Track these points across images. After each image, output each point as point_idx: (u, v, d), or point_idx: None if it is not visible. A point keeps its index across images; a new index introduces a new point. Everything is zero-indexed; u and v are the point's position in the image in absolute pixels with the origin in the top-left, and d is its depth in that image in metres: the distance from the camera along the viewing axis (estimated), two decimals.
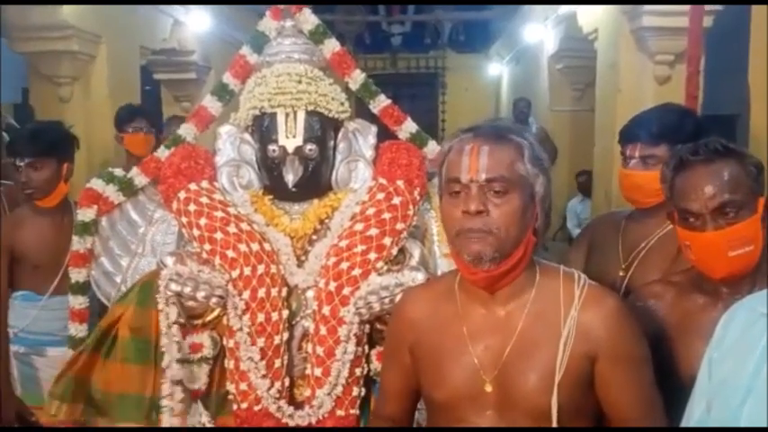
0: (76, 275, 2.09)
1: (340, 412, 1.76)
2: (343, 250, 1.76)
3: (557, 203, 5.83)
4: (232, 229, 1.77)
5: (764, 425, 1.04)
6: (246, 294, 1.74)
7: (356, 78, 2.09)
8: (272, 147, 1.81)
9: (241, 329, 1.73)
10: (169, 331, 1.73)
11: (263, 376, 1.74)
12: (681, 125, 1.89)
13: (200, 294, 1.71)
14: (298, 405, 1.79)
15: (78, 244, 2.06)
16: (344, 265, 1.75)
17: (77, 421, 1.87)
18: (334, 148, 1.89)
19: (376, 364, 1.79)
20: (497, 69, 10.36)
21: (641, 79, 4.40)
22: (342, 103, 1.88)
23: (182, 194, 1.84)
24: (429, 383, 1.41)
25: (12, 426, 2.59)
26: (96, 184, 2.06)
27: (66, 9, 4.45)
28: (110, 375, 1.82)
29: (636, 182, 1.91)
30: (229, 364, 1.78)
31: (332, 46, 2.05)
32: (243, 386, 1.76)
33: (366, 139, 1.93)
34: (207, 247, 1.77)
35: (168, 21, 5.98)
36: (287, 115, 1.80)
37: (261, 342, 1.73)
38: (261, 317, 1.73)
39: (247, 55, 2.08)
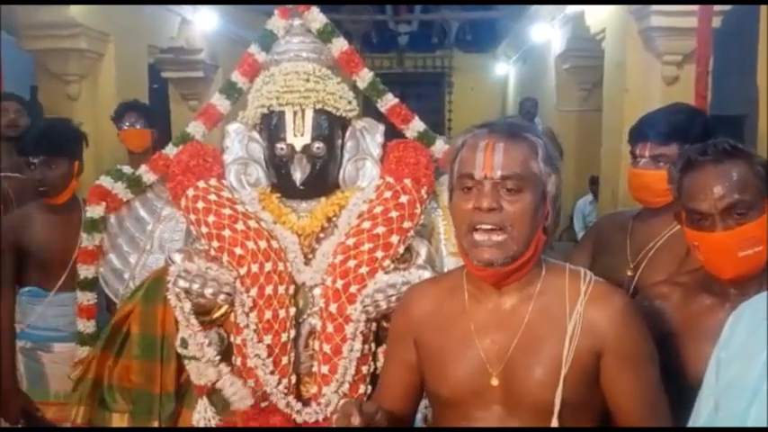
0: (85, 272, 2.10)
1: None
2: (351, 248, 1.77)
3: (563, 203, 5.81)
4: (240, 226, 1.78)
5: None
6: (254, 292, 1.74)
7: (364, 77, 2.10)
8: (279, 145, 1.82)
9: (248, 326, 1.74)
10: (189, 323, 1.73)
11: (271, 373, 1.74)
12: (691, 125, 1.89)
13: (208, 291, 1.71)
14: (304, 402, 1.80)
15: (87, 241, 2.07)
16: (351, 263, 1.75)
17: (87, 421, 1.88)
18: (342, 146, 1.89)
19: (382, 362, 1.79)
20: (504, 69, 10.34)
21: (649, 79, 4.39)
22: (350, 102, 1.89)
23: (190, 192, 1.85)
24: (434, 379, 1.41)
25: (17, 421, 2.60)
26: (105, 181, 2.07)
27: (75, 7, 4.47)
28: (123, 372, 1.83)
29: (645, 181, 1.91)
30: (236, 361, 1.78)
31: (340, 45, 2.06)
32: (249, 383, 1.76)
33: (374, 137, 1.93)
34: (215, 244, 1.78)
35: (176, 19, 6.00)
36: (295, 113, 1.81)
37: (268, 339, 1.74)
38: (268, 314, 1.74)
39: (256, 53, 2.08)
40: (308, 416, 1.77)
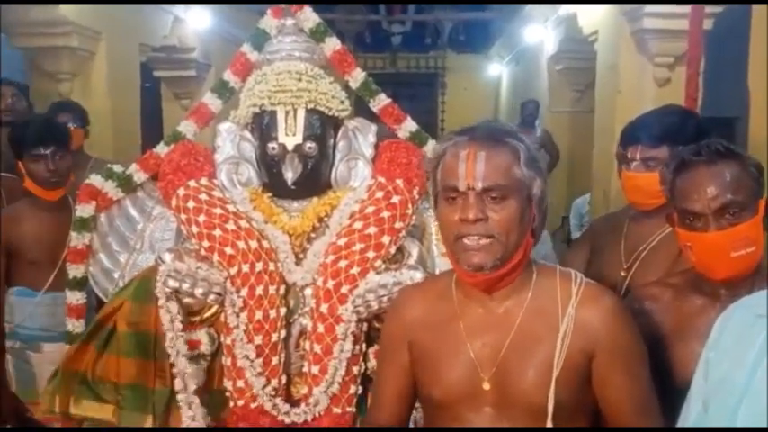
0: (74, 271, 2.09)
1: (336, 410, 1.76)
2: (342, 248, 1.76)
3: (555, 203, 5.83)
4: (231, 226, 1.77)
5: (761, 425, 1.04)
6: (244, 291, 1.74)
7: (356, 77, 2.09)
8: (271, 144, 1.81)
9: (238, 327, 1.73)
10: (172, 326, 1.73)
11: (259, 374, 1.74)
12: (682, 127, 1.90)
13: (198, 291, 1.71)
14: (295, 402, 1.79)
15: (76, 240, 2.06)
16: (343, 264, 1.75)
17: (73, 416, 1.86)
18: (334, 146, 1.89)
19: (373, 363, 1.79)
20: (497, 70, 10.35)
21: (641, 81, 4.40)
22: (342, 102, 1.88)
23: (181, 191, 1.84)
24: (426, 382, 1.41)
25: (7, 421, 2.58)
26: (95, 180, 2.06)
27: (67, 6, 4.45)
28: (108, 367, 1.81)
29: (637, 184, 1.92)
30: (226, 361, 1.78)
31: (332, 44, 2.05)
32: (240, 383, 1.76)
33: (366, 137, 1.93)
34: (205, 243, 1.77)
35: (168, 18, 5.97)
36: (287, 113, 1.80)
37: (258, 339, 1.73)
38: (259, 314, 1.73)
39: (248, 53, 2.08)
40: (296, 416, 1.76)
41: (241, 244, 1.75)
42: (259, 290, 1.74)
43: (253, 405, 1.75)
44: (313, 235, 1.84)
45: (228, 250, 1.75)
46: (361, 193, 1.85)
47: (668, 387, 1.42)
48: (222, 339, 1.79)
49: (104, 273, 2.05)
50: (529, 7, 7.09)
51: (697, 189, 1.45)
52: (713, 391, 1.15)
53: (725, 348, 1.16)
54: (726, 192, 1.43)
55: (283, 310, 1.77)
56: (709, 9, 3.61)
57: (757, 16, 3.00)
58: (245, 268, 1.74)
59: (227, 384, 1.78)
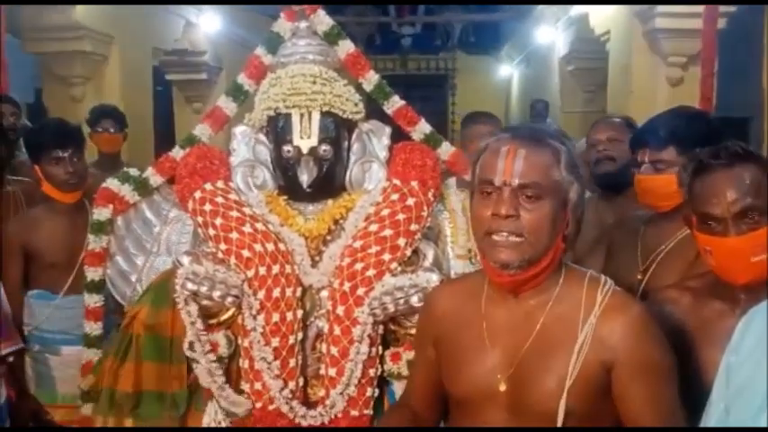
0: (92, 274, 2.10)
1: (353, 412, 1.76)
2: (358, 251, 1.77)
3: None
4: (247, 228, 1.78)
5: None
6: (261, 294, 1.74)
7: (370, 79, 2.10)
8: (286, 147, 1.82)
9: (255, 329, 1.74)
10: (194, 328, 1.73)
11: (277, 376, 1.74)
12: (689, 128, 1.89)
13: (216, 294, 1.71)
14: (312, 405, 1.80)
15: (94, 243, 2.07)
16: (359, 266, 1.75)
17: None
18: (349, 148, 1.89)
19: (390, 365, 1.79)
20: (508, 71, 10.35)
21: (653, 81, 4.39)
22: (356, 104, 1.88)
23: (197, 194, 1.85)
24: (448, 379, 1.42)
25: (26, 424, 2.60)
26: (112, 183, 2.07)
27: (79, 10, 4.49)
28: (130, 375, 1.82)
29: (648, 186, 1.92)
30: (244, 363, 1.78)
31: (346, 47, 2.06)
32: (257, 386, 1.76)
33: (380, 140, 1.93)
34: (222, 246, 1.78)
35: (180, 22, 6.02)
36: (302, 116, 1.80)
37: (275, 342, 1.74)
38: (276, 317, 1.74)
39: (262, 56, 2.09)
40: (313, 419, 1.76)
41: (258, 247, 1.75)
42: (276, 292, 1.74)
43: (270, 407, 1.76)
44: (329, 238, 1.85)
45: (245, 253, 1.75)
46: (376, 195, 1.86)
47: (686, 394, 1.40)
48: (239, 342, 1.79)
49: (121, 275, 2.06)
50: (539, 8, 7.09)
51: (716, 193, 1.43)
52: (735, 396, 1.13)
53: (746, 353, 1.14)
54: (746, 195, 1.41)
55: (300, 313, 1.78)
56: (722, 9, 3.60)
57: None
58: (262, 271, 1.74)
59: (245, 387, 1.79)
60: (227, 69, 6.71)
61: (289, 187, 1.87)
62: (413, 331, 1.74)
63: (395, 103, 2.10)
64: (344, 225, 1.84)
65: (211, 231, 1.80)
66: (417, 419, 1.52)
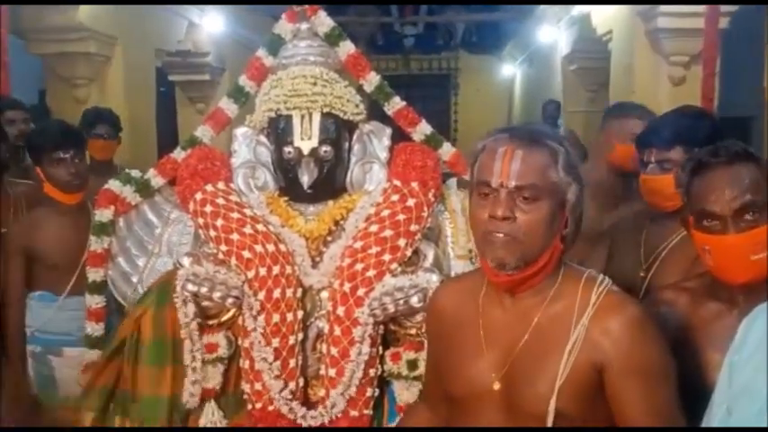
0: (93, 275, 2.11)
1: (353, 413, 1.77)
2: (358, 251, 1.77)
3: None
4: (248, 230, 1.78)
5: None
6: (262, 295, 1.75)
7: (371, 80, 2.10)
8: (287, 148, 1.82)
9: (256, 330, 1.75)
10: (188, 329, 1.74)
11: (277, 377, 1.75)
12: (695, 128, 1.89)
13: (217, 295, 1.72)
14: (312, 405, 1.80)
15: (95, 244, 2.08)
16: (359, 267, 1.76)
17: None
18: (349, 149, 1.90)
19: (390, 365, 1.79)
20: (510, 71, 10.34)
21: (656, 80, 4.39)
22: (357, 105, 1.89)
23: (198, 195, 1.86)
24: (444, 376, 1.43)
25: (27, 425, 2.61)
26: (114, 185, 2.08)
27: (83, 11, 4.50)
28: (132, 376, 1.82)
29: (654, 186, 1.91)
30: (244, 364, 1.79)
31: (347, 48, 2.06)
32: (257, 386, 1.77)
33: (381, 140, 1.94)
34: (223, 247, 1.79)
35: (183, 23, 6.03)
36: (302, 117, 1.81)
37: (276, 342, 1.75)
38: (276, 317, 1.75)
39: (263, 57, 2.10)
40: (313, 419, 1.77)
41: (258, 247, 1.76)
42: (276, 293, 1.75)
43: (270, 408, 1.76)
44: (329, 238, 1.85)
45: (246, 254, 1.76)
46: (377, 196, 1.86)
47: (684, 394, 1.40)
48: (240, 342, 1.80)
49: (123, 276, 2.07)
50: (542, 7, 7.08)
51: (715, 190, 1.42)
52: (737, 395, 1.12)
53: (749, 352, 1.13)
54: (745, 193, 1.40)
55: (300, 314, 1.78)
56: (724, 8, 3.59)
57: None
58: (263, 272, 1.75)
59: (245, 387, 1.79)
60: (231, 70, 6.72)
61: (289, 188, 1.87)
62: (413, 331, 1.75)
63: (395, 104, 2.11)
64: (345, 226, 1.85)
65: (212, 232, 1.81)
66: (433, 417, 1.54)
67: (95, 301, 2.15)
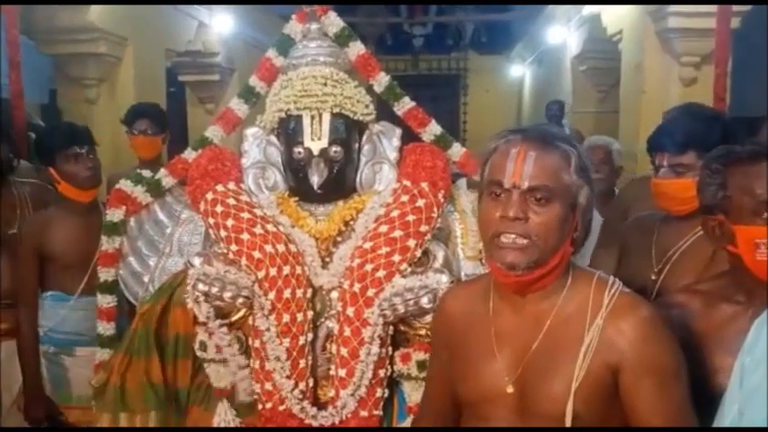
0: (105, 275, 2.12)
1: (363, 413, 1.76)
2: (368, 252, 1.77)
3: None
4: (258, 230, 1.79)
5: None
6: (272, 295, 1.75)
7: (381, 81, 2.10)
8: (297, 149, 1.83)
9: (268, 329, 1.75)
10: (213, 326, 1.74)
11: (288, 377, 1.75)
12: (708, 131, 1.87)
13: (227, 295, 1.72)
14: (322, 405, 1.80)
15: (107, 244, 2.09)
16: (369, 267, 1.76)
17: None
18: (359, 150, 1.90)
19: (399, 366, 1.80)
20: (519, 71, 10.33)
21: (666, 81, 4.37)
22: (366, 106, 1.89)
23: (209, 195, 1.86)
24: (457, 380, 1.42)
25: (41, 425, 2.63)
26: (125, 185, 2.09)
27: (94, 12, 4.53)
28: (137, 371, 1.85)
29: (666, 191, 1.90)
30: (255, 364, 1.79)
31: (357, 48, 2.06)
32: (268, 386, 1.77)
33: (390, 141, 1.94)
34: (233, 247, 1.79)
35: (193, 23, 6.05)
36: (312, 118, 1.81)
37: (286, 342, 1.75)
38: (286, 317, 1.75)
39: (273, 58, 2.10)
40: (323, 419, 1.77)
41: (268, 248, 1.76)
42: (286, 293, 1.75)
43: (280, 408, 1.77)
44: (339, 239, 1.85)
45: (256, 254, 1.76)
46: (387, 196, 1.86)
47: (696, 397, 1.38)
48: (250, 342, 1.81)
49: (134, 276, 2.08)
50: (551, 7, 7.07)
51: None
52: (748, 397, 1.12)
53: (761, 354, 1.13)
54: None
55: (310, 314, 1.78)
56: (735, 8, 3.57)
57: None
58: (273, 272, 1.75)
59: (255, 387, 1.80)
60: (240, 70, 6.75)
61: (299, 188, 1.88)
62: (422, 332, 1.74)
63: (405, 105, 2.10)
64: (355, 226, 1.85)
65: (222, 233, 1.81)
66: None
67: (106, 301, 2.17)
